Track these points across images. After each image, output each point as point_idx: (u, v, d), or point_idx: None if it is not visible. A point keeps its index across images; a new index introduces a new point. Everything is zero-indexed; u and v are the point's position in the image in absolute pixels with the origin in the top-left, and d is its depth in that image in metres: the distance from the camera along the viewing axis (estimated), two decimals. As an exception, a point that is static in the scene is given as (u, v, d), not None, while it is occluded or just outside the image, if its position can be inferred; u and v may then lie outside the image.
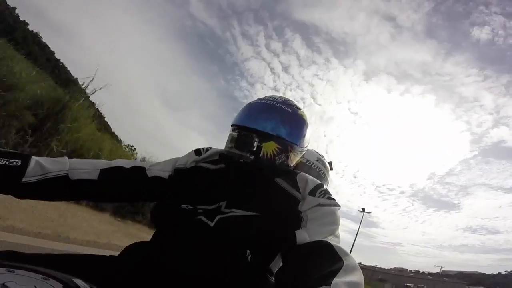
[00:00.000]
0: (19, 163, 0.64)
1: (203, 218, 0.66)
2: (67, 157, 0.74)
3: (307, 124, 0.86)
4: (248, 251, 0.63)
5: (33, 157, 0.68)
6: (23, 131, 4.51)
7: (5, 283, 0.39)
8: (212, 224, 0.65)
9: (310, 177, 0.79)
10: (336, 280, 0.46)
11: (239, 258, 0.63)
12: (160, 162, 0.86)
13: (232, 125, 0.82)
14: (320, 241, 0.59)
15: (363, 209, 27.81)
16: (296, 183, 0.76)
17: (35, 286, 0.41)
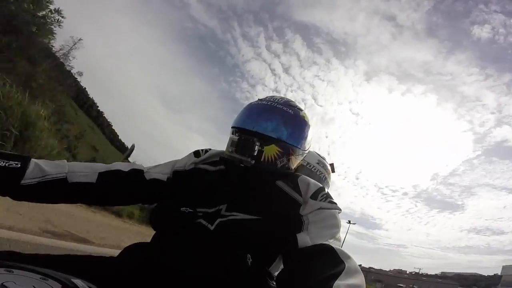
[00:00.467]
0: (19, 165, 0.64)
1: (203, 222, 0.66)
2: (66, 160, 0.74)
3: (309, 126, 0.85)
4: (249, 255, 0.63)
5: (32, 159, 0.68)
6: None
7: (4, 283, 0.39)
8: (212, 228, 0.65)
9: (311, 180, 0.78)
10: (337, 282, 0.46)
11: (240, 261, 0.62)
12: (159, 164, 0.86)
13: (232, 127, 0.82)
14: (322, 244, 0.59)
15: (349, 221, 33.78)
16: (297, 186, 0.76)
17: (34, 286, 0.41)
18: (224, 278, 0.61)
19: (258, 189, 0.75)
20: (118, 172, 0.77)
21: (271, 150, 0.76)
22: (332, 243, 0.60)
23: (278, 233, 0.65)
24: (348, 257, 0.55)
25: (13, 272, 0.43)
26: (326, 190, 0.76)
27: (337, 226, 0.68)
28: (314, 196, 0.72)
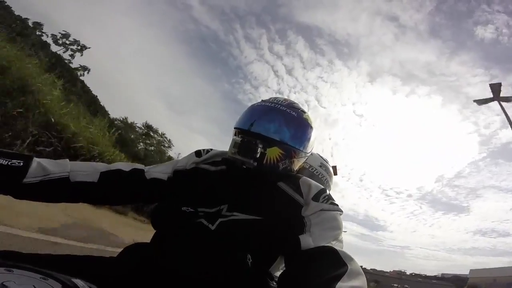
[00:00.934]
0: (21, 164, 0.64)
1: (204, 221, 0.66)
2: (68, 159, 0.74)
3: (312, 128, 0.84)
4: (249, 256, 0.63)
5: (34, 158, 0.68)
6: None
7: (4, 283, 0.39)
8: (213, 228, 0.65)
9: (313, 182, 0.78)
10: (340, 284, 0.46)
11: (240, 262, 0.62)
12: (160, 164, 0.86)
13: (235, 128, 0.81)
14: (324, 246, 0.58)
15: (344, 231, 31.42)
16: (299, 188, 0.76)
17: (34, 286, 0.41)
18: (224, 279, 0.60)
19: (260, 190, 0.75)
20: (119, 171, 0.77)
21: (273, 152, 0.76)
22: (335, 245, 0.60)
23: (279, 234, 0.65)
24: (351, 259, 0.54)
25: (13, 271, 0.43)
26: (328, 191, 0.76)
27: (339, 227, 0.68)
28: (316, 197, 0.72)
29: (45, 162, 0.69)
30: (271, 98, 0.86)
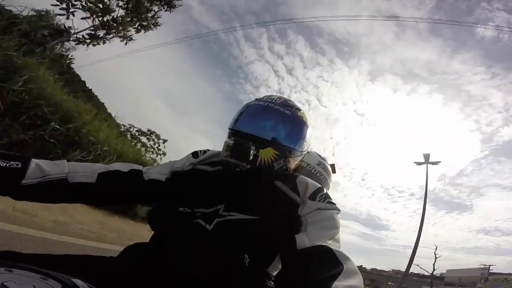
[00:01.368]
0: (19, 165, 0.65)
1: (201, 222, 0.66)
2: (66, 160, 0.75)
3: (307, 126, 0.83)
4: (246, 255, 0.63)
5: (33, 159, 0.68)
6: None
7: (4, 283, 0.39)
8: (210, 228, 0.65)
9: (310, 180, 0.78)
10: (336, 284, 0.46)
11: (237, 262, 0.62)
12: (158, 165, 0.86)
13: (228, 129, 0.80)
14: (320, 246, 0.58)
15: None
16: (296, 187, 0.75)
17: (34, 286, 0.42)
18: (221, 279, 0.61)
19: (256, 190, 0.75)
20: (117, 172, 0.77)
21: (267, 153, 0.75)
22: (331, 244, 0.60)
23: (276, 233, 0.65)
24: (347, 258, 0.55)
25: (13, 271, 0.43)
26: (325, 190, 0.76)
27: (336, 227, 0.67)
28: (313, 196, 0.72)
29: (43, 163, 0.69)
30: (265, 96, 0.85)
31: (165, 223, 0.71)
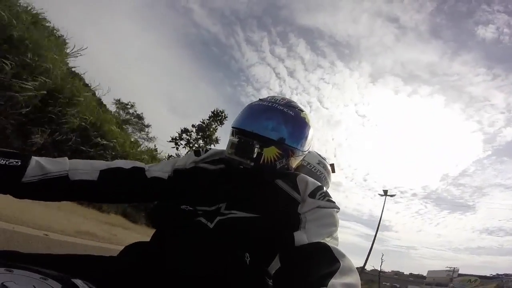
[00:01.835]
0: (19, 163, 0.64)
1: (203, 220, 0.66)
2: (67, 158, 0.74)
3: (310, 126, 0.85)
4: (247, 254, 0.63)
5: (33, 157, 0.68)
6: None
7: (4, 283, 0.39)
8: (211, 226, 0.65)
9: (310, 179, 0.79)
10: (332, 281, 0.46)
11: (238, 260, 0.63)
12: (160, 163, 0.86)
13: (232, 127, 0.82)
14: (318, 243, 0.59)
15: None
16: (296, 185, 0.76)
17: (34, 286, 0.41)
18: (222, 277, 0.61)
19: (258, 188, 0.75)
20: (119, 169, 0.77)
21: (270, 152, 0.76)
22: (329, 241, 0.60)
23: (276, 231, 0.65)
24: (343, 256, 0.55)
25: (13, 271, 0.43)
26: (324, 189, 0.76)
27: (334, 224, 0.68)
28: (312, 194, 0.73)
29: (44, 161, 0.69)
30: (268, 97, 0.86)
31: (167, 221, 0.71)
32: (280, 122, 0.78)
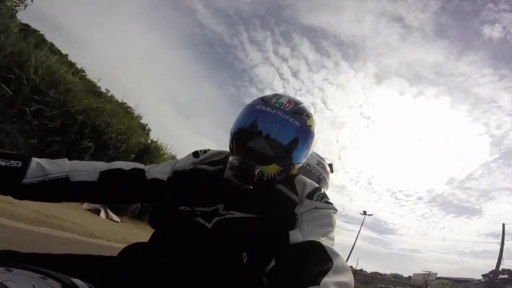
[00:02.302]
0: (20, 164, 0.65)
1: (201, 220, 0.67)
2: (67, 159, 0.74)
3: (314, 135, 0.79)
4: (244, 254, 0.63)
5: (33, 158, 0.68)
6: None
7: (3, 282, 0.39)
8: (209, 226, 0.66)
9: (308, 180, 0.79)
10: (325, 279, 0.46)
11: (236, 260, 0.63)
12: (159, 164, 0.86)
13: (231, 135, 0.77)
14: (312, 241, 0.59)
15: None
16: (294, 186, 0.76)
17: (33, 285, 0.42)
18: (220, 277, 0.61)
19: (256, 189, 0.74)
20: (119, 171, 0.77)
21: (271, 170, 0.74)
22: (323, 241, 0.60)
23: (273, 231, 0.65)
24: (337, 254, 0.55)
25: (12, 271, 0.43)
26: (322, 190, 0.77)
27: (331, 225, 0.68)
28: (310, 195, 0.73)
29: (44, 162, 0.69)
30: (273, 97, 0.79)
31: (166, 221, 0.71)
32: (284, 137, 0.73)
